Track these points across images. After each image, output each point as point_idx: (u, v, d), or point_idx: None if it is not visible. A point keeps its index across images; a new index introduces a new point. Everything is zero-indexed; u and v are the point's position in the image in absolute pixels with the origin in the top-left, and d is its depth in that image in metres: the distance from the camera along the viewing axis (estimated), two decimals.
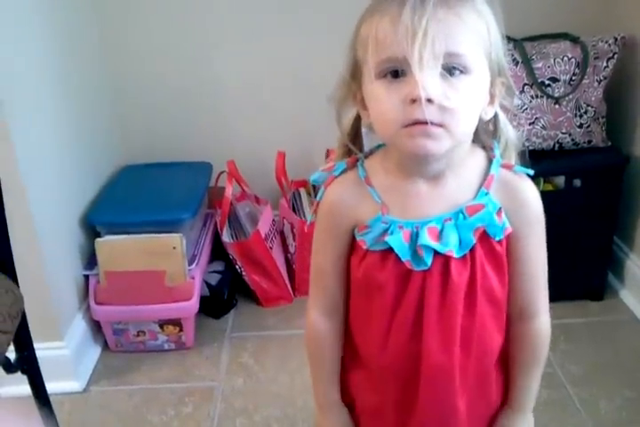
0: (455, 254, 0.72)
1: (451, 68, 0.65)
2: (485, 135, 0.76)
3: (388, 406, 0.82)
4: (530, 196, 0.75)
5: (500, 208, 0.72)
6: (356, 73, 0.73)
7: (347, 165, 0.78)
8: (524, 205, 0.74)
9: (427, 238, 0.71)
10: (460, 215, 0.72)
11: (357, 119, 0.78)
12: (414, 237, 0.72)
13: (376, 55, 0.67)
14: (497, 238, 0.73)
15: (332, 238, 0.78)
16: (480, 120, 0.72)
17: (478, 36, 0.67)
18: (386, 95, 0.67)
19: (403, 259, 0.72)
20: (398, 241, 0.72)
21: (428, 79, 0.64)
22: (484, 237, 0.73)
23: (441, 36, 0.64)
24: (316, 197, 1.94)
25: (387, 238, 0.72)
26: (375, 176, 0.76)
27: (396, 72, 0.66)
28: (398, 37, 0.64)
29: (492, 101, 0.73)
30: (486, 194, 0.73)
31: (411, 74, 0.64)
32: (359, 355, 0.82)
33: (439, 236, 0.72)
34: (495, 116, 0.75)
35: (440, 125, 0.66)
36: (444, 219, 0.72)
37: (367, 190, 0.75)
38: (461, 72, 0.66)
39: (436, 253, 0.72)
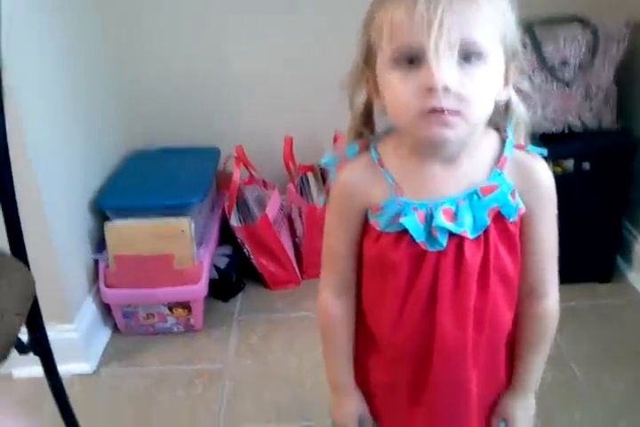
0: (470, 235, 0.72)
1: (466, 56, 0.65)
2: (498, 115, 0.76)
3: (401, 385, 0.83)
4: (543, 175, 0.75)
5: (514, 189, 0.73)
6: (369, 58, 0.72)
7: (359, 148, 0.78)
8: (537, 185, 0.75)
9: (442, 219, 0.72)
10: (475, 196, 0.72)
11: (369, 102, 0.77)
12: (429, 218, 0.73)
13: (391, 43, 0.67)
14: (511, 219, 0.73)
15: (345, 220, 0.79)
16: (494, 102, 0.72)
17: (493, 23, 0.67)
18: (401, 83, 0.67)
19: (417, 240, 0.73)
20: (413, 222, 0.73)
21: (444, 68, 0.63)
22: (498, 217, 0.73)
23: (456, 24, 0.63)
24: (323, 181, 1.96)
25: (402, 220, 0.73)
26: (388, 159, 0.76)
27: (412, 59, 0.66)
28: (414, 26, 0.64)
29: (506, 84, 0.73)
30: (500, 175, 0.73)
31: (426, 62, 0.64)
32: (372, 335, 0.83)
33: (454, 217, 0.72)
34: (509, 100, 0.75)
35: (457, 113, 0.66)
36: (458, 200, 0.73)
37: (381, 172, 0.75)
38: (477, 59, 0.66)
39: (451, 234, 0.72)
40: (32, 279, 0.95)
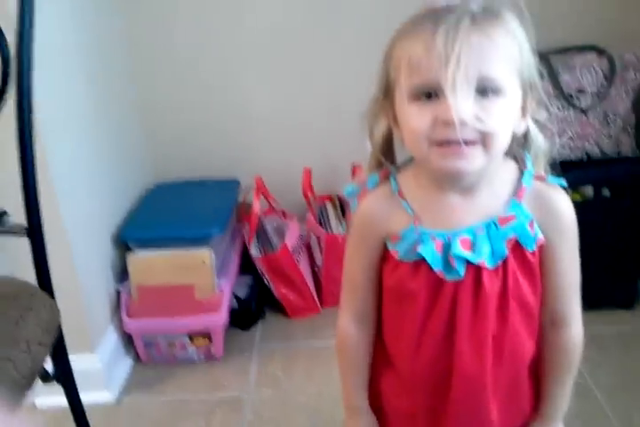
0: (488, 265, 0.72)
1: (483, 90, 0.66)
2: (516, 146, 0.77)
3: (420, 412, 0.83)
4: (562, 206, 0.75)
5: (532, 219, 0.73)
6: (388, 92, 0.74)
7: (379, 178, 0.80)
8: (557, 217, 0.75)
9: (459, 248, 0.72)
10: (492, 226, 0.73)
11: (389, 133, 0.79)
12: (446, 247, 0.73)
13: (409, 79, 0.68)
14: (530, 249, 0.74)
15: (364, 248, 0.80)
16: (512, 133, 0.73)
17: (511, 58, 0.68)
18: (418, 115, 0.68)
19: (435, 269, 0.74)
20: (431, 251, 0.73)
21: (461, 103, 0.64)
22: (517, 247, 0.73)
23: (474, 60, 0.65)
24: (342, 210, 1.97)
25: (419, 249, 0.74)
26: (407, 189, 0.77)
27: (429, 94, 0.67)
28: (432, 62, 0.65)
29: (524, 115, 0.74)
30: (518, 205, 0.74)
31: (444, 96, 0.65)
32: (391, 361, 0.84)
33: (471, 246, 0.73)
34: (527, 131, 0.76)
35: (473, 143, 0.67)
36: (475, 229, 0.73)
37: (400, 203, 0.77)
38: (494, 94, 0.67)
39: (469, 263, 0.73)
40: (57, 310, 0.97)
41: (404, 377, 0.82)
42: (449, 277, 0.74)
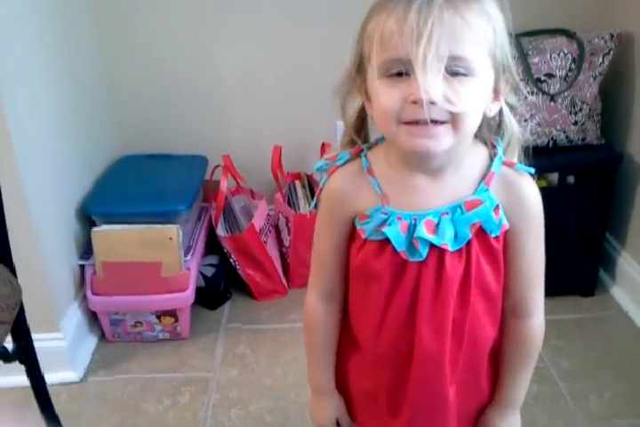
0: (450, 248, 0.73)
1: (454, 71, 0.66)
2: (488, 131, 0.77)
3: (381, 391, 0.83)
4: (530, 194, 0.76)
5: (498, 205, 0.73)
6: (360, 67, 0.73)
7: (350, 156, 0.80)
8: (524, 204, 0.75)
9: (423, 231, 0.72)
10: (458, 210, 0.73)
11: (362, 110, 0.78)
12: (412, 228, 0.73)
13: (380, 55, 0.68)
14: (493, 235, 0.74)
15: (333, 226, 0.80)
16: (484, 116, 0.72)
17: (483, 39, 0.67)
18: (388, 93, 0.68)
19: (398, 249, 0.74)
20: (395, 232, 0.73)
21: (430, 82, 0.64)
22: (481, 232, 0.74)
23: (445, 38, 0.64)
24: (311, 189, 1.96)
25: (384, 229, 0.74)
26: (377, 167, 0.77)
27: (400, 71, 0.67)
28: (403, 38, 0.65)
29: (496, 98, 0.73)
30: (486, 190, 0.74)
31: (414, 75, 0.65)
32: (356, 340, 0.84)
33: (435, 229, 0.73)
34: (500, 111, 0.76)
35: (442, 124, 0.67)
36: (441, 212, 0.73)
37: (369, 181, 0.77)
38: (464, 74, 0.66)
39: (433, 246, 0.73)
40: (19, 287, 0.95)
41: (368, 357, 0.83)
42: (412, 258, 0.74)
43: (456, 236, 0.73)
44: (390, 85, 0.68)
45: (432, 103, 0.65)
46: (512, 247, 0.77)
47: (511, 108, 0.76)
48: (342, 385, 0.89)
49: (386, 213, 0.75)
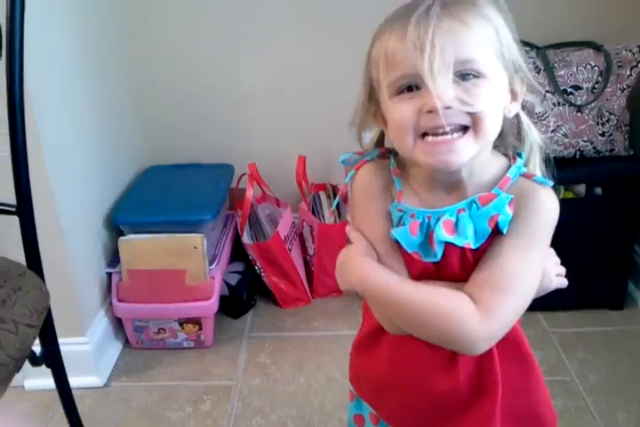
0: (472, 246, 0.71)
1: (464, 75, 0.66)
2: (512, 137, 0.76)
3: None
4: (543, 202, 0.73)
5: (513, 199, 0.71)
6: (372, 95, 0.74)
7: (379, 152, 0.80)
8: (535, 214, 0.72)
9: (443, 233, 0.71)
10: (474, 205, 0.72)
11: (380, 139, 0.80)
12: (425, 227, 0.73)
13: (388, 75, 0.69)
14: (504, 230, 0.71)
15: (374, 215, 0.78)
16: (506, 120, 0.72)
17: (487, 39, 0.68)
18: (401, 108, 0.68)
19: (409, 251, 0.73)
20: (404, 234, 0.73)
21: (441, 88, 0.64)
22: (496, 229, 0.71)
23: (449, 44, 0.64)
24: (334, 197, 1.96)
25: (392, 231, 0.74)
26: (402, 171, 0.78)
27: (411, 87, 0.67)
28: (407, 52, 0.65)
29: (514, 98, 0.73)
30: (499, 191, 0.73)
31: (424, 86, 0.65)
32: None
33: (455, 228, 0.72)
34: (518, 118, 0.75)
35: (464, 131, 0.67)
36: (457, 209, 0.72)
37: (393, 180, 0.77)
38: (475, 77, 0.67)
39: (451, 245, 0.72)
40: (47, 292, 0.97)
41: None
42: (426, 259, 0.73)
43: (475, 232, 0.71)
44: (403, 101, 0.68)
45: (447, 108, 0.65)
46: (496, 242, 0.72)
47: (528, 112, 0.76)
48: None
49: (401, 210, 0.75)
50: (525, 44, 1.54)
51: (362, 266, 0.75)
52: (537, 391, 0.84)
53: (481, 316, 0.69)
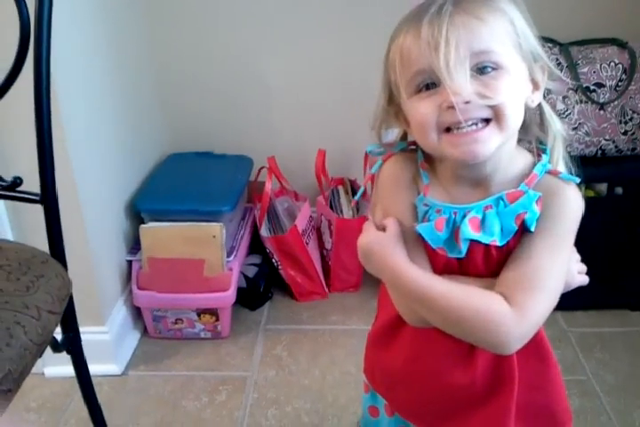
0: (499, 243, 0.71)
1: (481, 68, 0.66)
2: (536, 128, 0.76)
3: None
4: (569, 198, 0.73)
5: (540, 197, 0.71)
6: (392, 97, 0.75)
7: (407, 145, 0.81)
8: (563, 213, 0.73)
9: (469, 231, 0.71)
10: (501, 202, 0.72)
11: (405, 134, 0.80)
12: (451, 223, 0.73)
13: (405, 73, 0.69)
14: (531, 228, 0.71)
15: (400, 205, 0.78)
16: (529, 111, 0.72)
17: (502, 30, 0.68)
18: (421, 106, 0.69)
19: (434, 246, 0.74)
20: (429, 229, 0.73)
21: (458, 83, 0.64)
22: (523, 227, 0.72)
23: (462, 39, 0.65)
24: (353, 194, 1.96)
25: (417, 227, 0.74)
26: (430, 165, 0.78)
27: (428, 85, 0.68)
28: (422, 51, 0.66)
29: (536, 88, 0.73)
30: (526, 188, 0.73)
31: (442, 83, 0.66)
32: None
33: (481, 225, 0.72)
34: (540, 107, 0.75)
35: (487, 122, 0.67)
36: (484, 206, 0.73)
37: (420, 172, 0.77)
38: (493, 69, 0.67)
39: (476, 241, 0.72)
40: (69, 280, 0.98)
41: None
42: (450, 254, 0.74)
43: (502, 230, 0.72)
44: (422, 99, 0.69)
45: (467, 103, 0.65)
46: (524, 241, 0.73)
47: (550, 103, 0.76)
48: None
49: (427, 205, 0.75)
50: (548, 40, 1.53)
51: (394, 256, 0.75)
52: (553, 389, 0.84)
53: (515, 316, 0.70)
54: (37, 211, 1.00)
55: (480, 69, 0.66)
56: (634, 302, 1.70)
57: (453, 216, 0.73)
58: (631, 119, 1.56)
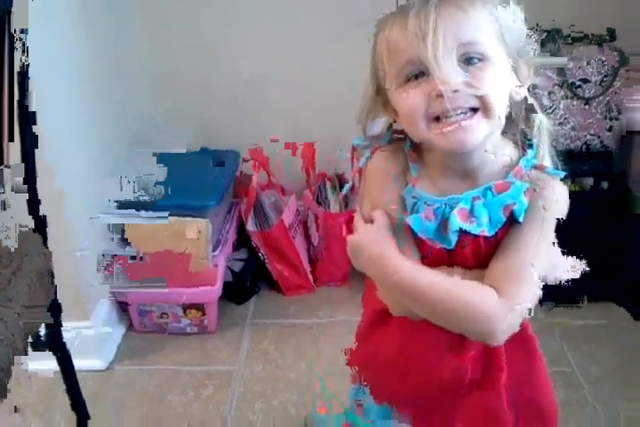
0: (487, 233, 0.72)
1: (467, 58, 0.68)
2: (521, 121, 0.77)
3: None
4: (555, 198, 0.74)
5: (528, 188, 0.73)
6: (380, 88, 0.75)
7: (392, 137, 0.81)
8: (549, 207, 0.74)
9: (457, 221, 0.72)
10: (489, 193, 0.73)
11: (391, 125, 0.80)
12: (440, 214, 0.74)
13: (393, 63, 0.70)
14: (520, 219, 0.72)
15: (389, 195, 0.78)
16: (514, 104, 0.73)
17: (486, 23, 0.69)
18: (410, 95, 0.70)
19: (424, 237, 0.74)
20: (418, 220, 0.74)
21: (446, 72, 0.66)
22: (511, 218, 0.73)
23: (449, 29, 0.66)
24: (340, 189, 1.95)
25: (407, 217, 0.74)
26: (418, 153, 0.78)
27: (417, 75, 0.69)
28: (410, 41, 0.67)
29: (521, 82, 0.74)
30: (513, 179, 0.74)
31: (430, 71, 0.67)
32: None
33: (469, 216, 0.73)
34: (526, 101, 0.76)
35: (474, 111, 0.68)
36: (472, 197, 0.73)
37: (408, 163, 0.78)
38: (480, 60, 0.68)
39: (466, 232, 0.73)
40: (49, 252, 0.97)
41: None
42: (441, 245, 0.74)
43: (490, 220, 0.72)
44: (410, 89, 0.70)
45: (455, 92, 0.66)
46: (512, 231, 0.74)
47: (536, 93, 0.77)
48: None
49: (415, 197, 0.75)
50: (535, 31, 1.53)
51: (383, 248, 0.75)
52: (539, 382, 0.85)
53: (505, 307, 0.71)
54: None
55: (467, 60, 0.68)
56: (618, 295, 1.71)
57: (443, 207, 0.74)
58: (616, 115, 1.56)
